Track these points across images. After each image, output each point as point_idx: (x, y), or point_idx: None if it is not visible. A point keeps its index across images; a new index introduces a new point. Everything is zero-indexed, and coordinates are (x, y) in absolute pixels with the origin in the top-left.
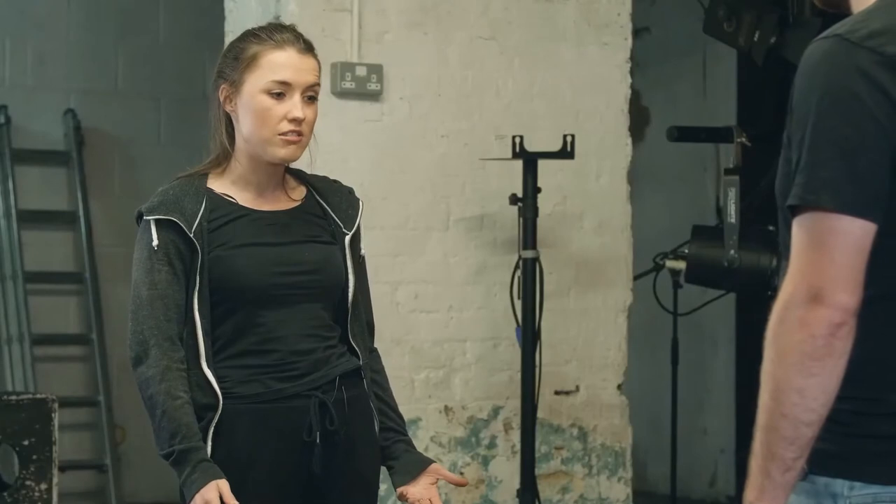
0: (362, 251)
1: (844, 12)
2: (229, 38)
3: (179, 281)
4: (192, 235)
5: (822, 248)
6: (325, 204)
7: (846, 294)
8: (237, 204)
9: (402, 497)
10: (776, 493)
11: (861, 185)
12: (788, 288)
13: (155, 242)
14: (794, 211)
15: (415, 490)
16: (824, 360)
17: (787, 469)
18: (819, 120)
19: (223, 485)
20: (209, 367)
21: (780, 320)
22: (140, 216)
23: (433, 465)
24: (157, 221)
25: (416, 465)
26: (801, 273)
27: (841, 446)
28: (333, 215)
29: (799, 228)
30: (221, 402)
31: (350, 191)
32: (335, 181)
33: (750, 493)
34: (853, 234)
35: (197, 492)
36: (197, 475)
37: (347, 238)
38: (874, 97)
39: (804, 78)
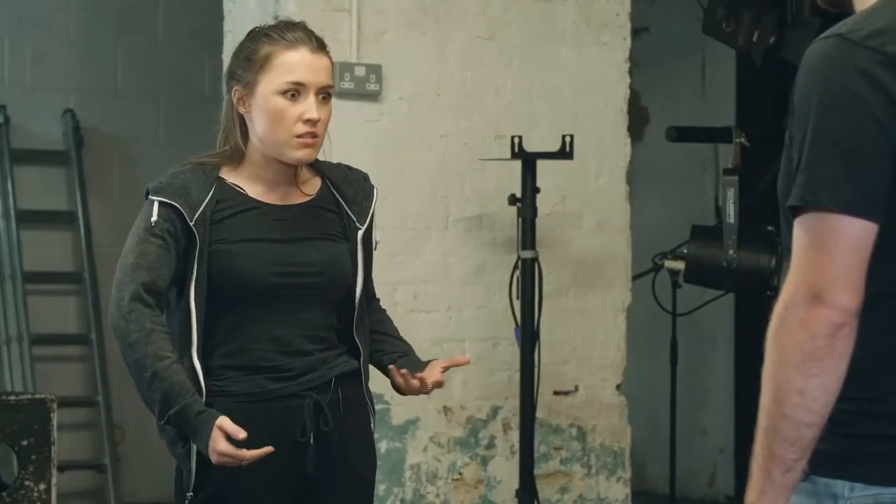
0: (376, 238)
1: (847, 11)
2: (228, 38)
3: (170, 258)
4: (192, 224)
5: (822, 248)
6: (339, 197)
7: (847, 294)
8: (246, 195)
9: (404, 380)
10: (777, 494)
11: (861, 184)
12: (789, 288)
13: (154, 218)
14: (795, 211)
15: (419, 378)
16: (825, 360)
17: (788, 470)
18: (819, 120)
19: (224, 423)
20: (199, 358)
21: (781, 321)
22: (148, 192)
23: (432, 362)
24: (161, 203)
25: (419, 365)
26: (802, 273)
27: (842, 447)
28: (347, 209)
29: (800, 229)
30: (205, 397)
31: (365, 177)
32: (350, 169)
33: (751, 494)
34: (854, 234)
35: (206, 447)
36: (200, 430)
37: (360, 233)
38: (875, 97)
39: (805, 77)
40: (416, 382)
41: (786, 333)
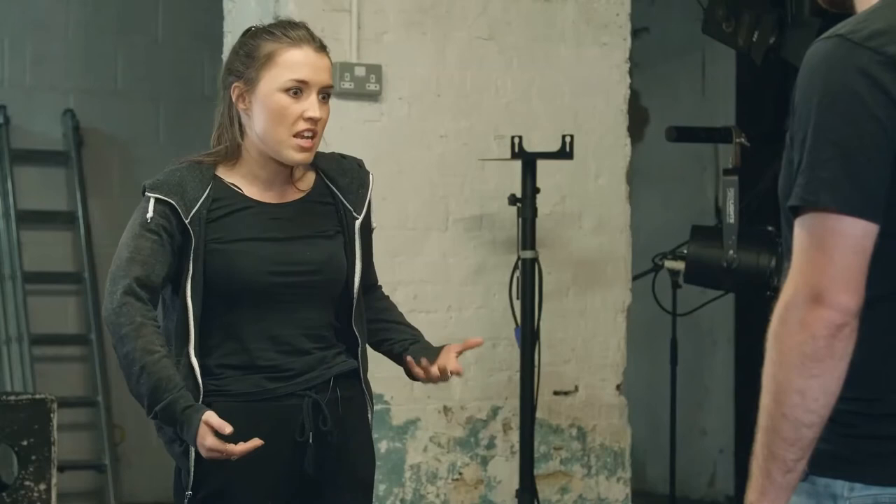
0: (373, 225)
1: (848, 12)
2: (228, 38)
3: (165, 254)
4: (187, 221)
5: (822, 248)
6: (334, 188)
7: (847, 295)
8: (242, 194)
9: (423, 371)
10: (777, 495)
11: (861, 185)
12: (789, 289)
13: (149, 214)
14: (796, 212)
15: (432, 365)
16: (825, 361)
17: (788, 470)
18: (820, 120)
19: (211, 418)
20: (196, 357)
21: (782, 321)
22: (145, 189)
23: (445, 348)
24: (157, 199)
25: (433, 351)
26: (802, 274)
27: (841, 447)
28: (343, 200)
29: (800, 229)
30: (202, 395)
31: (359, 164)
32: (343, 157)
33: (751, 495)
34: (854, 235)
35: (194, 442)
36: (186, 425)
37: (357, 223)
38: (875, 97)
39: (806, 78)
40: (435, 371)
41: (786, 334)
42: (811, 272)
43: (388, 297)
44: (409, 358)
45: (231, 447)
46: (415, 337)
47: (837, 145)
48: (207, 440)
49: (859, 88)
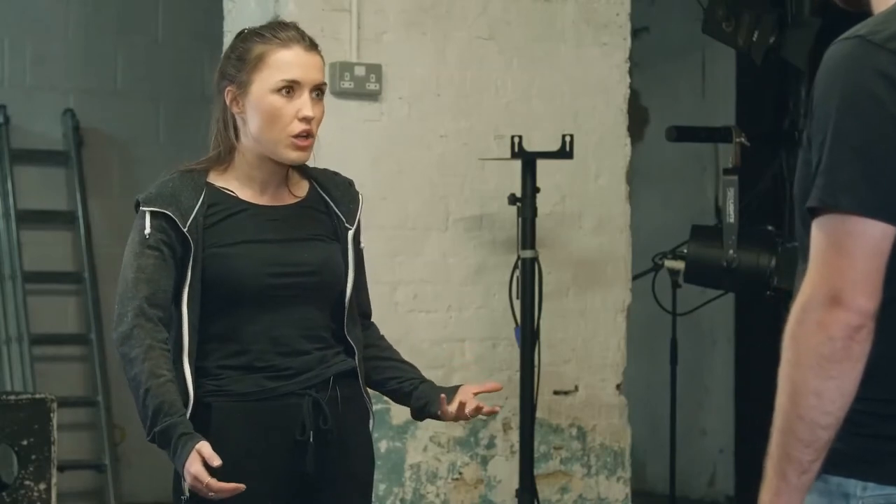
0: (361, 244)
1: (864, 9)
2: (228, 38)
3: (168, 268)
4: (185, 231)
5: (840, 250)
6: (328, 198)
7: (865, 297)
8: (237, 198)
9: (458, 413)
10: (792, 496)
11: (880, 187)
12: (807, 290)
13: (147, 231)
14: (814, 213)
15: (463, 403)
16: (842, 363)
17: (804, 471)
18: (839, 122)
19: (203, 448)
20: (190, 363)
21: (799, 322)
22: (138, 204)
23: (463, 386)
24: (153, 213)
25: (449, 391)
26: (820, 276)
27: (854, 446)
28: (336, 209)
29: (818, 231)
30: (192, 401)
31: (350, 183)
32: (335, 173)
33: (765, 495)
34: (872, 236)
35: (182, 468)
36: (179, 451)
37: (350, 232)
38: (894, 98)
39: (824, 79)
40: (469, 411)
41: (803, 335)
42: (829, 274)
43: (383, 336)
44: (443, 396)
45: (212, 482)
46: (421, 377)
47: (856, 147)
48: (194, 466)
49: (878, 90)
